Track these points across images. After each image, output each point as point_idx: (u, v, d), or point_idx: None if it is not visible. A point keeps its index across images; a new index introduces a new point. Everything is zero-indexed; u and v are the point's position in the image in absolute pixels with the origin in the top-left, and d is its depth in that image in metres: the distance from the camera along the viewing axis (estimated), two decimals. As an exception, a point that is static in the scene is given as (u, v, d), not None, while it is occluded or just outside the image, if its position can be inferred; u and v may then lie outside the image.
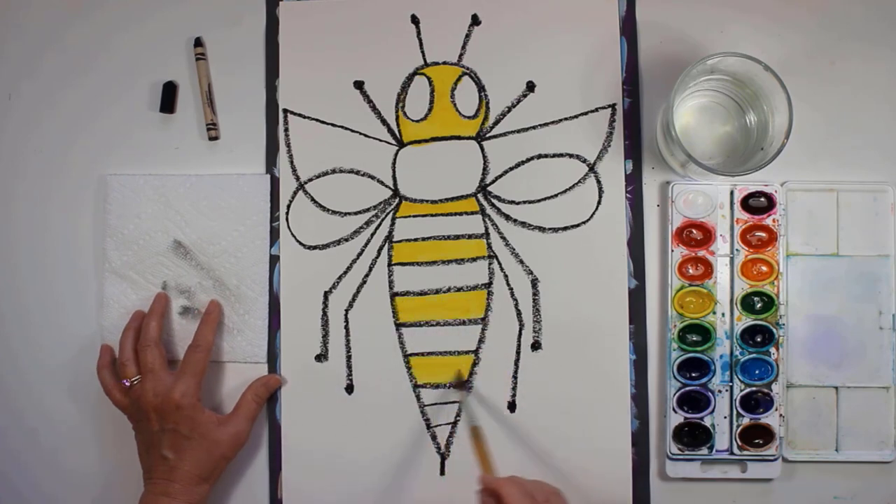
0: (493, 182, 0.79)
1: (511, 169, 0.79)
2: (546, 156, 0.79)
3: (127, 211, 0.80)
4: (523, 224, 0.79)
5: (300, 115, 0.81)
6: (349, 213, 0.80)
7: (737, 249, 0.76)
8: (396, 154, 0.80)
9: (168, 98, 0.81)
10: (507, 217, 0.79)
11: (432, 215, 0.79)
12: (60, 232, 0.82)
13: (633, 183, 0.78)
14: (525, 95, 0.79)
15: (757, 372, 0.76)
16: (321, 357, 0.79)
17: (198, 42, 0.81)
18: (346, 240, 0.80)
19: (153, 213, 0.80)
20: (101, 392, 0.78)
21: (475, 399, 0.77)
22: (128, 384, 0.75)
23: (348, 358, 0.79)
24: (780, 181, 0.77)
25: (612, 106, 0.79)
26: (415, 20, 0.80)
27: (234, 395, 0.79)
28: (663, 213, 0.78)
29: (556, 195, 0.79)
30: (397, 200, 0.80)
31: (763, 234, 0.76)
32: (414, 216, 0.79)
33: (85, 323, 0.81)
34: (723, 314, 0.76)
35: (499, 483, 0.64)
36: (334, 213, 0.80)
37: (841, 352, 0.76)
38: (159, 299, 0.79)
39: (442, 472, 0.78)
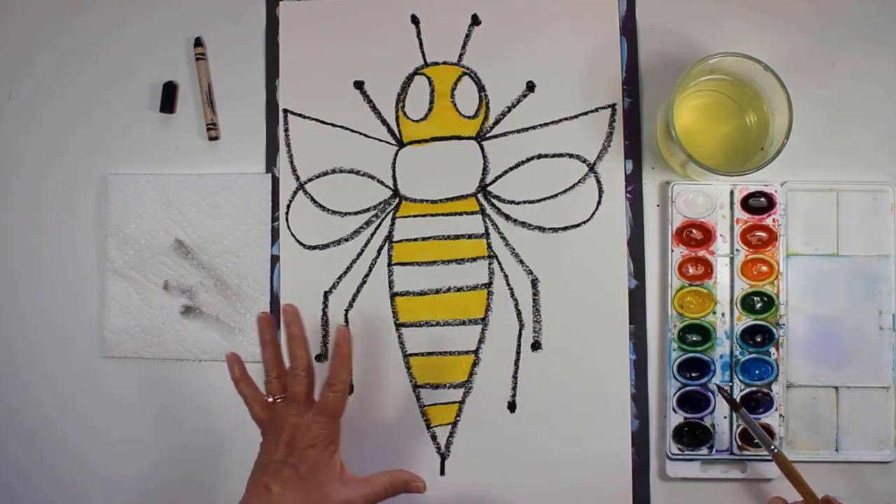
0: (493, 182, 0.79)
1: (511, 169, 0.79)
2: (546, 156, 0.79)
3: (128, 210, 0.80)
4: (523, 224, 0.79)
5: (300, 115, 0.81)
6: (349, 213, 0.80)
7: (737, 249, 0.76)
8: (396, 154, 0.80)
9: (168, 98, 0.81)
10: (507, 217, 0.79)
11: (432, 215, 0.79)
12: (61, 232, 0.82)
13: (633, 183, 0.78)
14: (525, 95, 0.79)
15: (757, 372, 0.76)
16: (321, 357, 0.79)
17: (198, 42, 0.81)
18: (346, 240, 0.80)
19: (154, 213, 0.80)
20: (101, 392, 0.78)
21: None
22: (271, 401, 0.69)
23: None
24: (780, 181, 0.77)
25: (612, 106, 0.79)
26: (415, 20, 0.81)
27: (226, 406, 0.78)
28: (663, 213, 0.78)
29: (556, 195, 0.79)
30: (397, 200, 0.80)
31: (763, 234, 0.76)
32: (414, 216, 0.79)
33: (86, 322, 0.81)
34: (723, 314, 0.76)
35: None
36: (334, 213, 0.80)
37: (841, 352, 0.76)
38: (294, 320, 0.70)
39: (442, 472, 0.78)
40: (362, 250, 0.80)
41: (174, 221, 0.80)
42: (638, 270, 0.78)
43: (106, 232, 0.80)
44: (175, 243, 0.80)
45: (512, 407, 0.78)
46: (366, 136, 0.80)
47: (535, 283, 0.78)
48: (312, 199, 0.80)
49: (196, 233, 0.80)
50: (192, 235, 0.80)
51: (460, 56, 0.80)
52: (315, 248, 0.80)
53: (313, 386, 0.69)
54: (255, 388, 0.70)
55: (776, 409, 0.75)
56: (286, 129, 0.81)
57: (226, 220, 0.80)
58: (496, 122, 0.79)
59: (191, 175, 0.80)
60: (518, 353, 0.78)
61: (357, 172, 0.80)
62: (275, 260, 0.80)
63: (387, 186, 0.80)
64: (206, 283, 0.80)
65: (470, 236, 0.79)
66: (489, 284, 0.78)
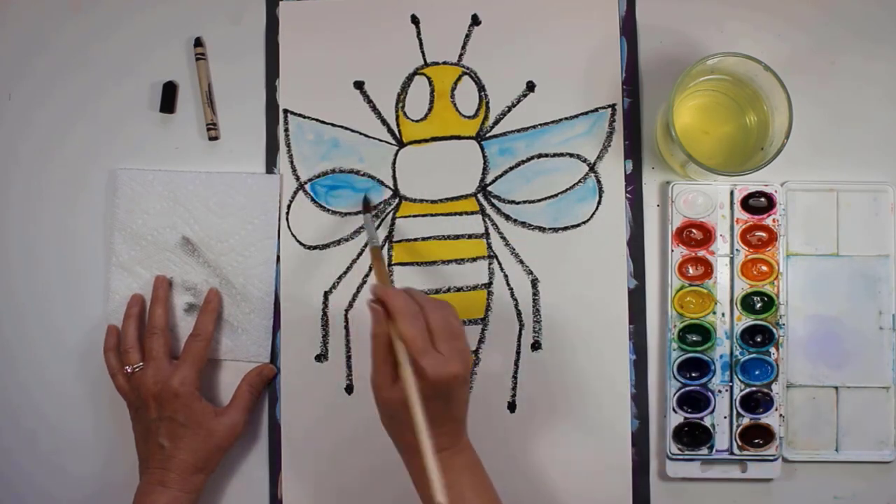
0: (493, 182, 0.79)
1: (511, 169, 0.79)
2: (546, 156, 0.79)
3: (136, 206, 0.80)
4: (523, 224, 0.79)
5: (300, 115, 0.81)
6: (349, 213, 0.80)
7: (737, 249, 0.76)
8: (396, 154, 0.80)
9: (168, 98, 0.81)
10: (507, 217, 0.79)
11: (432, 215, 0.79)
12: (61, 232, 0.82)
13: (633, 183, 0.78)
14: (525, 95, 0.79)
15: (757, 372, 0.76)
16: (321, 357, 0.79)
17: (198, 42, 0.81)
18: (346, 240, 0.80)
19: (162, 209, 0.80)
20: (102, 389, 0.78)
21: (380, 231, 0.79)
22: (130, 371, 0.75)
23: (348, 358, 0.79)
24: (780, 181, 0.77)
25: (612, 106, 0.79)
26: (415, 20, 0.81)
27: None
28: (663, 213, 0.78)
29: (556, 195, 0.79)
30: (397, 200, 0.80)
31: (763, 234, 0.76)
32: (414, 216, 0.79)
33: (87, 320, 0.81)
34: (723, 314, 0.76)
35: (386, 292, 0.65)
36: (334, 213, 0.80)
37: (841, 352, 0.76)
38: (161, 284, 0.79)
39: (442, 472, 0.78)
40: (362, 250, 0.80)
41: (181, 219, 0.80)
42: (638, 270, 0.78)
43: (112, 227, 0.80)
44: (182, 240, 0.80)
45: (512, 407, 0.78)
46: (366, 136, 0.80)
47: (535, 283, 0.78)
48: (312, 199, 0.80)
49: (203, 231, 0.80)
50: (198, 233, 0.80)
51: (460, 56, 0.80)
52: (315, 248, 0.80)
53: (170, 345, 0.77)
54: (119, 360, 0.77)
55: (776, 409, 0.75)
56: (286, 129, 0.81)
57: (233, 219, 0.80)
58: (496, 122, 0.79)
59: (199, 173, 0.80)
60: (518, 353, 0.78)
61: (357, 172, 0.80)
62: (275, 260, 0.80)
63: (387, 186, 0.80)
64: (210, 282, 0.80)
65: (470, 236, 0.79)
66: (489, 284, 0.78)
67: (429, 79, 0.80)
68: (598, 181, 0.78)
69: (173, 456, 0.73)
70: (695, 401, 0.76)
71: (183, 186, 0.80)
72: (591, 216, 0.78)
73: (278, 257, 0.80)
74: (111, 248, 0.80)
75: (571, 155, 0.79)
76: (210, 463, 0.75)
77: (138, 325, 0.78)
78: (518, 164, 0.79)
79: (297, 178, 0.80)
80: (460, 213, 0.79)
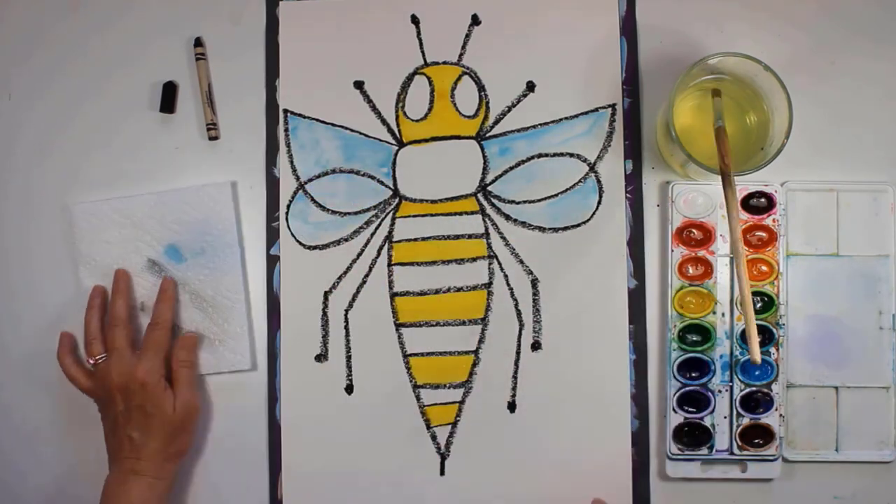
0: (493, 182, 0.79)
1: (511, 169, 0.79)
2: (546, 155, 0.79)
3: (96, 237, 0.80)
4: (523, 224, 0.79)
5: (300, 115, 0.81)
6: (349, 213, 0.80)
7: (737, 249, 0.76)
8: (396, 154, 0.80)
9: (168, 98, 0.81)
10: (507, 217, 0.79)
11: (432, 215, 0.79)
12: (58, 230, 0.82)
13: (633, 183, 0.78)
14: (525, 95, 0.79)
15: (757, 372, 0.76)
16: (321, 357, 0.79)
17: (198, 42, 0.81)
18: (346, 240, 0.80)
19: (123, 236, 0.80)
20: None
21: None
22: (92, 362, 0.76)
23: (348, 358, 0.79)
24: (780, 181, 0.77)
25: (612, 106, 0.79)
26: (415, 20, 0.81)
27: (226, 407, 0.79)
28: (663, 213, 0.78)
29: (556, 195, 0.79)
30: (397, 200, 0.80)
31: (763, 234, 0.76)
32: (414, 216, 0.79)
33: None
34: (723, 314, 0.76)
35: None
36: (334, 213, 0.80)
37: (841, 352, 0.76)
38: (122, 277, 0.79)
39: (442, 472, 0.78)
40: (362, 250, 0.80)
41: (143, 242, 0.80)
42: (638, 270, 0.78)
43: (77, 261, 0.80)
44: (148, 263, 0.80)
45: (512, 407, 0.78)
46: (366, 136, 0.80)
47: (535, 283, 0.78)
48: (312, 199, 0.80)
49: (165, 250, 0.80)
50: (162, 253, 0.80)
51: (460, 56, 0.80)
52: (315, 248, 0.80)
53: (132, 337, 0.77)
54: (77, 362, 0.78)
55: (776, 409, 0.75)
56: (286, 129, 0.81)
57: (191, 234, 0.80)
58: (496, 122, 0.79)
59: (150, 194, 0.80)
60: (518, 353, 0.78)
61: (357, 172, 0.80)
62: (275, 260, 0.80)
63: (387, 186, 0.80)
64: (181, 299, 0.80)
65: (470, 236, 0.79)
66: (489, 284, 0.78)
67: (429, 79, 0.80)
68: (598, 181, 0.78)
69: (144, 445, 0.73)
70: (695, 401, 0.76)
71: (138, 210, 0.80)
72: (591, 216, 0.78)
73: (273, 257, 0.80)
74: (78, 282, 0.80)
75: (571, 155, 0.79)
76: (180, 449, 0.76)
77: (101, 315, 0.78)
78: (518, 164, 0.79)
79: (297, 178, 0.80)
80: (460, 213, 0.79)
